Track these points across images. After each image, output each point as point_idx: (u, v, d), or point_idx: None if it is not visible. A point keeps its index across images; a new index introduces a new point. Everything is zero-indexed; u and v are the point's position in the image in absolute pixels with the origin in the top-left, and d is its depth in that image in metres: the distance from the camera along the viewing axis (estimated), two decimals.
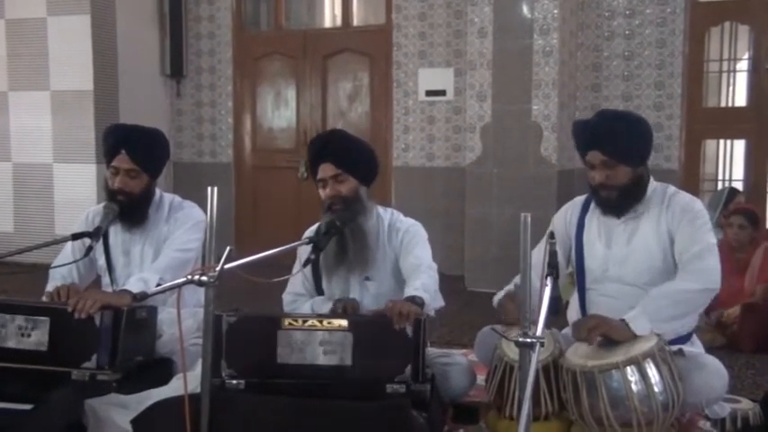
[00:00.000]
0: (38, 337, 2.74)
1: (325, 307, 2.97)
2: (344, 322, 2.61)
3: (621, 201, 2.80)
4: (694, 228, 2.72)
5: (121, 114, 6.74)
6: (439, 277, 2.96)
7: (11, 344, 2.75)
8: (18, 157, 7.01)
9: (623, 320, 2.56)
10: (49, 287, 3.12)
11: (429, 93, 6.66)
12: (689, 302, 2.65)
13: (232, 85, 7.38)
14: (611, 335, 2.56)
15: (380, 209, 3.12)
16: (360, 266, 2.99)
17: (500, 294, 2.90)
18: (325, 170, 2.95)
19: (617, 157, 2.75)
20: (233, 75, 7.36)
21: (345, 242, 2.94)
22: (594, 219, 2.91)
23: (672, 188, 2.88)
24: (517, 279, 2.93)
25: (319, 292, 3.09)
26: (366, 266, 3.00)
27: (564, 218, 2.99)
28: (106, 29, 6.73)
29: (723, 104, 6.27)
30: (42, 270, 3.24)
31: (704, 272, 2.65)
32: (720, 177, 6.31)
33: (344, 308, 2.87)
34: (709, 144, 6.27)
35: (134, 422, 2.50)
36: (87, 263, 3.25)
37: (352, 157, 2.99)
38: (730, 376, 2.75)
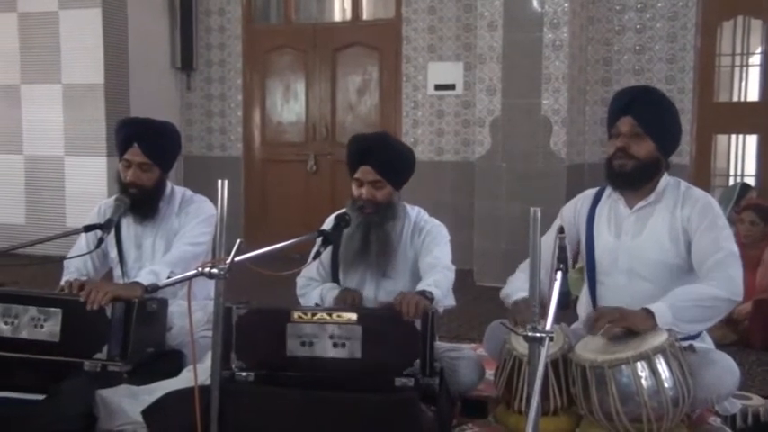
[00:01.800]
0: (50, 328, 2.77)
1: (333, 294, 3.01)
2: (354, 315, 2.62)
3: (633, 174, 2.75)
4: (716, 232, 2.68)
5: (132, 107, 6.77)
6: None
7: (24, 334, 2.78)
8: (30, 149, 7.04)
9: (648, 310, 2.53)
10: (64, 279, 3.14)
11: (438, 87, 6.65)
12: (714, 309, 2.60)
13: (242, 78, 7.39)
14: (630, 327, 2.54)
15: (408, 207, 3.14)
16: (379, 267, 3.02)
17: (509, 289, 2.89)
18: (365, 173, 2.97)
19: (647, 127, 2.73)
20: (243, 68, 7.37)
21: (369, 243, 2.98)
22: (605, 210, 2.89)
23: (684, 183, 2.86)
24: (523, 265, 2.95)
25: (335, 280, 3.11)
26: (386, 267, 3.03)
27: (574, 209, 2.98)
28: (117, 22, 6.75)
29: (735, 99, 6.22)
30: (53, 262, 3.27)
31: (731, 281, 2.60)
32: (732, 173, 6.26)
33: (344, 299, 2.90)
34: (721, 139, 6.22)
35: (144, 413, 2.52)
36: (101, 255, 3.29)
37: (394, 166, 3.01)
38: (741, 373, 2.73)
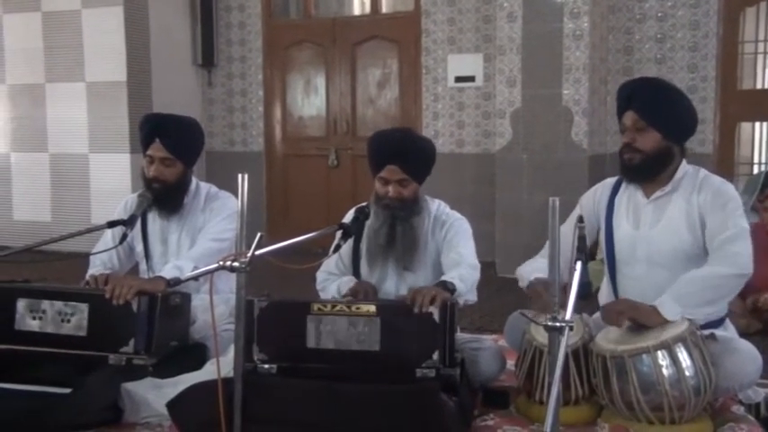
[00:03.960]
0: (77, 323, 2.81)
1: (348, 287, 3.01)
2: (373, 308, 2.63)
3: (642, 166, 2.75)
4: (726, 212, 2.67)
5: (154, 104, 6.83)
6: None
7: (51, 329, 2.82)
8: (54, 147, 7.14)
9: (653, 306, 2.55)
10: (90, 273, 3.19)
11: (458, 79, 6.63)
12: (720, 288, 2.61)
13: (262, 73, 7.42)
14: (639, 319, 2.55)
15: (429, 199, 3.14)
16: (403, 261, 3.03)
17: (526, 268, 2.89)
18: (392, 172, 2.95)
19: (649, 119, 2.72)
20: (263, 64, 7.40)
21: (395, 238, 2.98)
22: (624, 200, 2.88)
23: (703, 171, 2.84)
24: (544, 251, 2.94)
25: (356, 273, 3.12)
26: (409, 261, 3.03)
27: (593, 198, 2.97)
28: (139, 20, 6.82)
29: (758, 86, 6.14)
30: (79, 258, 3.32)
31: (735, 256, 2.60)
32: (756, 161, 6.19)
33: (357, 290, 2.91)
34: (745, 127, 6.15)
35: (169, 405, 2.55)
36: (126, 249, 3.33)
37: (421, 163, 3.00)
38: (765, 361, 2.72)
